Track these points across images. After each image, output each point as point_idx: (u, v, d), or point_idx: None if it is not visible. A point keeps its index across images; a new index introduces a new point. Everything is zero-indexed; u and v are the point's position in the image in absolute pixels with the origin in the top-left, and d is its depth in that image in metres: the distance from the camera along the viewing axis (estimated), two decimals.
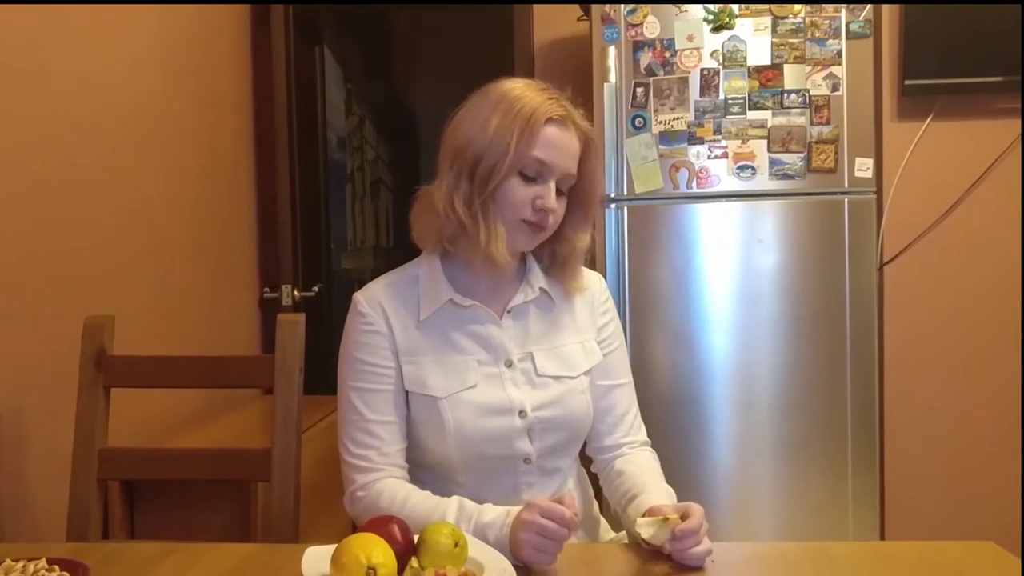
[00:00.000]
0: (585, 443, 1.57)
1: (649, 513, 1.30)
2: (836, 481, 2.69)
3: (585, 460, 1.61)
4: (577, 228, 1.52)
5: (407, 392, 1.46)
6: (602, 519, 1.64)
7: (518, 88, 1.45)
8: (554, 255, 1.54)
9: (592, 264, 1.64)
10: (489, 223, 1.42)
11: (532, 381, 1.47)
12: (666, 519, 1.25)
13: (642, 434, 1.59)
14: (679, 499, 1.41)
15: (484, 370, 1.46)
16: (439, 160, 1.48)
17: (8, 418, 1.75)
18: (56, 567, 1.10)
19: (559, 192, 1.46)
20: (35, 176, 1.85)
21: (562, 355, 1.50)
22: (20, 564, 1.09)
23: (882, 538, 2.75)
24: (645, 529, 1.26)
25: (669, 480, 1.50)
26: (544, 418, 1.46)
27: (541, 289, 1.52)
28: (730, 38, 2.67)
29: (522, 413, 1.45)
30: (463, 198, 1.43)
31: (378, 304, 1.47)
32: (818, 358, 2.68)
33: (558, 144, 1.43)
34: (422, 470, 1.48)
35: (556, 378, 1.48)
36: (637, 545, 1.34)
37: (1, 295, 1.73)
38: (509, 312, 1.49)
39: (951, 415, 2.89)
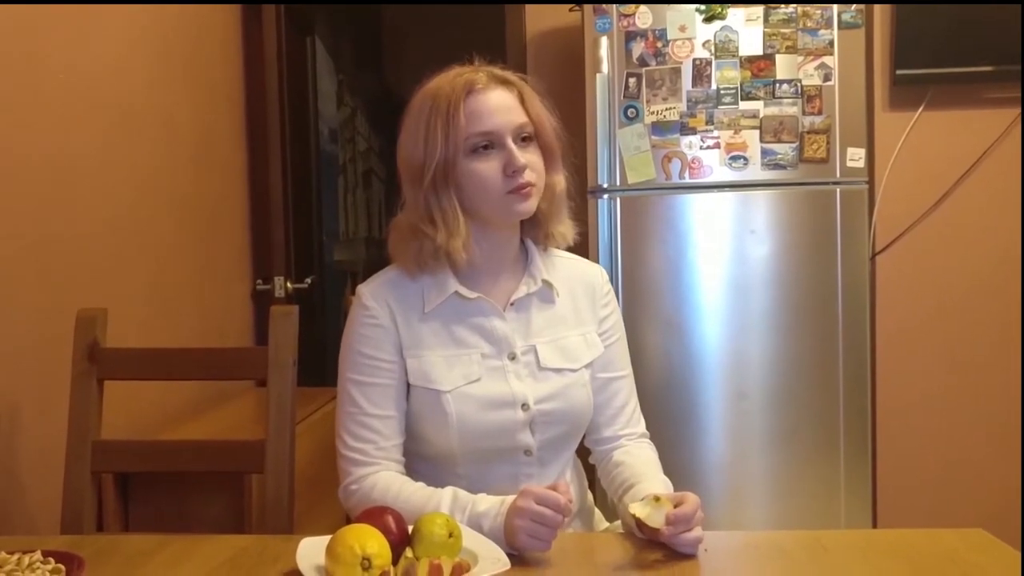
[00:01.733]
0: (585, 435, 1.57)
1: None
2: (828, 470, 2.70)
3: (581, 451, 1.61)
4: (550, 172, 1.49)
5: (409, 386, 1.45)
6: (596, 510, 1.65)
7: (432, 85, 1.45)
8: (541, 211, 1.50)
9: (584, 254, 1.64)
10: (448, 220, 1.41)
11: (535, 374, 1.47)
12: (658, 499, 1.26)
13: (641, 426, 1.59)
14: (673, 489, 1.41)
15: (487, 363, 1.45)
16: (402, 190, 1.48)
17: (1, 411, 1.75)
18: (51, 559, 1.10)
19: (525, 141, 1.43)
20: (25, 168, 1.84)
21: (564, 347, 1.50)
22: (15, 557, 1.09)
23: (874, 526, 2.77)
24: (639, 508, 1.26)
25: (662, 468, 1.51)
26: (546, 411, 1.46)
27: (544, 281, 1.52)
28: (722, 28, 2.67)
29: (524, 406, 1.45)
30: (424, 212, 1.43)
31: (382, 298, 1.47)
32: (810, 348, 2.69)
33: (487, 107, 1.41)
34: (421, 461, 1.48)
35: (558, 371, 1.48)
36: (631, 535, 1.35)
37: None
38: (512, 305, 1.49)
39: (943, 404, 2.90)
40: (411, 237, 1.44)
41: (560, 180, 1.51)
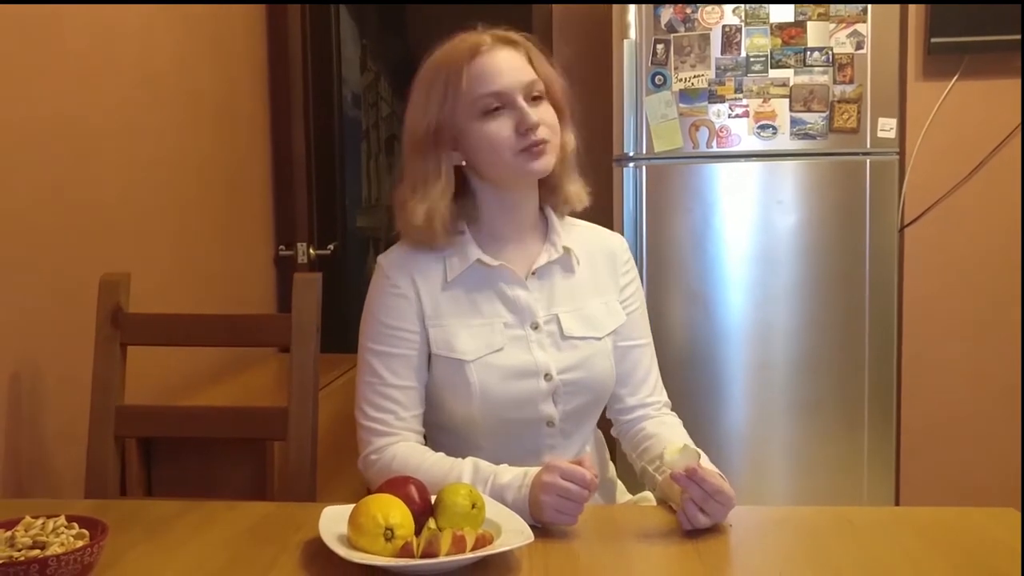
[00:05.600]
0: (606, 406, 1.56)
1: None
2: (852, 442, 2.68)
3: (603, 423, 1.60)
4: (562, 131, 1.47)
5: (431, 355, 1.44)
6: (619, 482, 1.64)
7: (437, 54, 1.44)
8: (552, 172, 1.47)
9: (608, 224, 1.62)
10: (430, 183, 1.41)
11: (557, 343, 1.45)
12: (686, 447, 1.25)
13: (664, 395, 1.57)
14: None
15: (510, 332, 1.44)
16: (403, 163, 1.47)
17: (25, 376, 1.75)
18: (75, 524, 1.10)
19: (536, 100, 1.41)
20: (48, 134, 1.84)
21: (587, 316, 1.49)
22: (39, 521, 1.09)
23: (896, 502, 2.75)
24: (671, 454, 1.25)
25: None
26: (569, 380, 1.44)
27: (565, 248, 1.50)
28: None
29: (547, 376, 1.43)
30: (418, 176, 1.42)
31: (404, 268, 1.46)
32: (836, 319, 2.66)
33: (495, 67, 1.39)
34: (442, 432, 1.47)
35: (582, 339, 1.46)
36: (654, 507, 1.34)
37: (17, 252, 1.73)
38: (534, 273, 1.47)
39: (969, 377, 2.87)
40: (411, 211, 1.43)
41: (571, 139, 1.50)
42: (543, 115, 1.40)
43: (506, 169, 1.41)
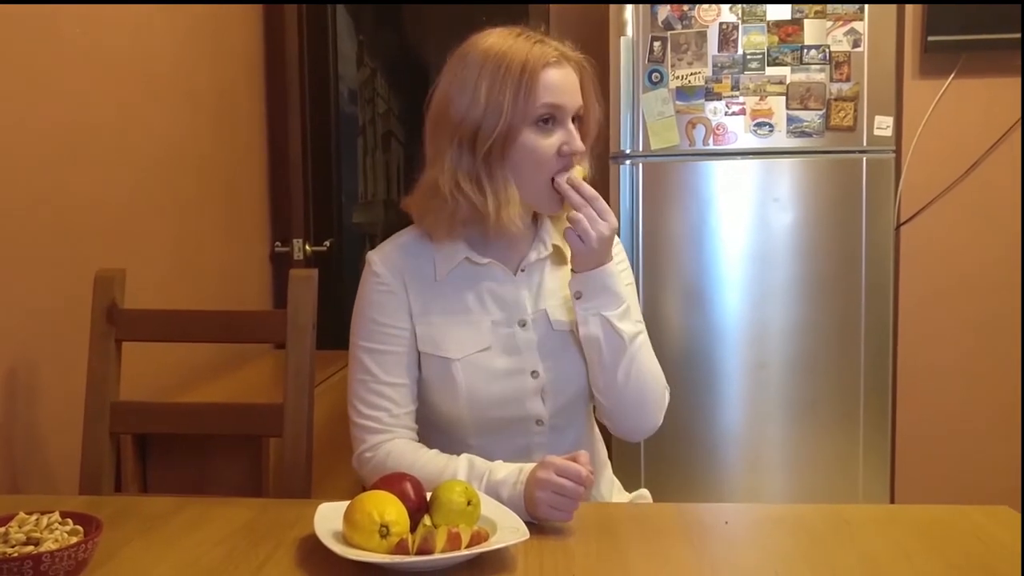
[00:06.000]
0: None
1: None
2: (847, 441, 2.68)
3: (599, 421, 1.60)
4: (582, 158, 1.47)
5: (420, 353, 1.44)
6: (615, 479, 1.64)
7: (498, 43, 1.40)
8: None
9: None
10: (498, 189, 1.38)
11: (544, 340, 1.45)
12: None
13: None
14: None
15: (497, 331, 1.44)
16: (430, 142, 1.44)
17: (20, 371, 1.75)
18: (69, 520, 1.09)
19: (574, 123, 1.42)
20: (45, 130, 1.83)
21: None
22: (33, 517, 1.09)
23: (892, 500, 2.75)
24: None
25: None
26: (556, 376, 1.44)
27: (554, 246, 1.49)
28: None
29: (534, 373, 1.43)
30: (468, 174, 1.39)
31: (393, 264, 1.45)
32: (832, 318, 2.67)
33: (562, 84, 1.39)
34: (433, 431, 1.46)
35: (570, 330, 1.46)
36: (651, 505, 1.34)
37: (12, 248, 1.72)
38: (523, 270, 1.47)
39: (965, 377, 2.87)
40: (443, 200, 1.40)
41: (586, 167, 1.50)
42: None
43: (534, 189, 1.41)
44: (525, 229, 1.48)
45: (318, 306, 1.64)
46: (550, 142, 1.39)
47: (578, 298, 1.40)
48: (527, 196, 1.41)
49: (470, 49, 1.41)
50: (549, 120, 1.39)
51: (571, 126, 1.40)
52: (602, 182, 2.58)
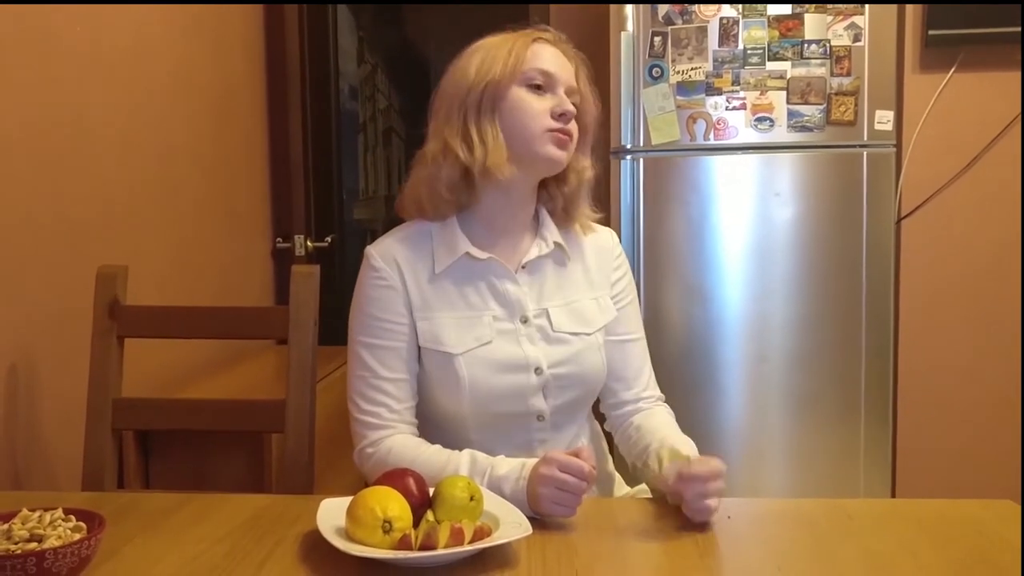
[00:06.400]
0: (599, 400, 1.56)
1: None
2: (848, 435, 2.68)
3: (599, 416, 1.60)
4: (580, 156, 1.49)
5: (420, 348, 1.44)
6: (617, 475, 1.64)
7: (495, 36, 1.46)
8: (562, 192, 1.50)
9: (607, 216, 1.62)
10: (486, 139, 1.39)
11: (547, 337, 1.45)
12: (677, 452, 1.25)
13: (657, 390, 1.57)
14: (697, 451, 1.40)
15: (499, 326, 1.43)
16: (432, 136, 1.46)
17: (22, 368, 1.75)
18: (72, 517, 1.10)
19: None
20: (48, 126, 1.83)
21: (577, 311, 1.48)
22: (36, 514, 1.09)
23: (893, 495, 2.76)
24: (657, 461, 1.26)
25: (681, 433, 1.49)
26: (559, 375, 1.44)
27: (556, 243, 1.49)
28: None
29: (538, 370, 1.43)
30: (458, 132, 1.41)
31: (392, 258, 1.45)
32: (833, 312, 2.67)
33: (553, 57, 1.43)
34: (433, 426, 1.46)
35: (572, 334, 1.46)
36: (652, 500, 1.34)
37: (15, 244, 1.72)
38: (524, 267, 1.47)
39: (966, 370, 2.87)
40: (436, 166, 1.42)
41: (588, 166, 1.50)
42: (573, 123, 1.44)
43: (531, 141, 1.40)
44: (526, 222, 1.48)
45: (319, 302, 1.64)
46: (542, 102, 1.41)
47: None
48: (518, 147, 1.41)
49: (467, 50, 1.46)
50: (539, 87, 1.41)
51: (562, 93, 1.41)
52: (603, 177, 2.58)
